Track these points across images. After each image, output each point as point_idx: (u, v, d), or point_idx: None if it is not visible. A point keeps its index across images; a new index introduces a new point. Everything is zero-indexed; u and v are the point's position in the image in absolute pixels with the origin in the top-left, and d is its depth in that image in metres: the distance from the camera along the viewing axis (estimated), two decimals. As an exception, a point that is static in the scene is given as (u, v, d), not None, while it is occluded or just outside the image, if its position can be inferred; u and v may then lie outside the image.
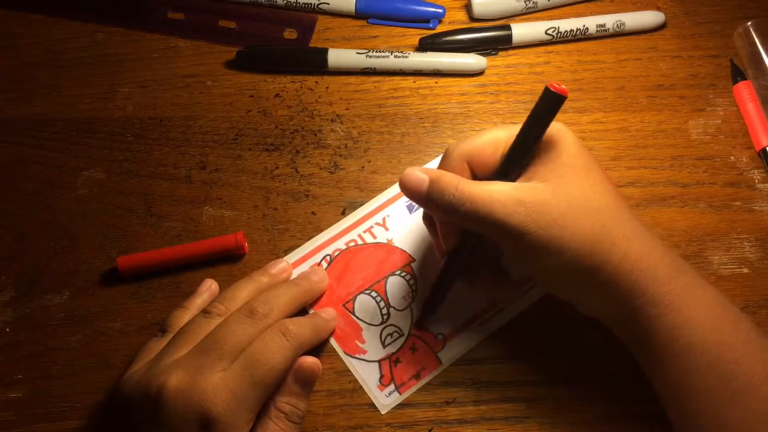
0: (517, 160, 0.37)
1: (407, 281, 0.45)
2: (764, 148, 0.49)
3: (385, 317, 0.44)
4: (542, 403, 0.41)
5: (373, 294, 0.44)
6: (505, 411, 0.41)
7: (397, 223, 0.46)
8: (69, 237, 0.46)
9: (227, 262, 0.46)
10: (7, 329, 0.44)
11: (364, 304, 0.44)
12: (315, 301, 0.44)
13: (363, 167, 0.49)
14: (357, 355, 0.43)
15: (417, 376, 0.42)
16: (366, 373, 0.42)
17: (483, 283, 0.41)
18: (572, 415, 0.41)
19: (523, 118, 0.50)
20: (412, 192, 0.37)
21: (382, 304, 0.44)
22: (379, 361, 0.42)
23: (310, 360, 0.38)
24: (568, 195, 0.35)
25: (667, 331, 0.34)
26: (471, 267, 0.41)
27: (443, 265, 0.41)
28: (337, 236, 0.46)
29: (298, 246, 0.46)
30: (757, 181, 0.48)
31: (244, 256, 0.46)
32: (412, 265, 0.45)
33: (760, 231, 0.47)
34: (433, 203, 0.37)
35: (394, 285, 0.45)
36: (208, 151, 0.50)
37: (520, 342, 0.43)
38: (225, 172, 0.49)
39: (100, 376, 0.42)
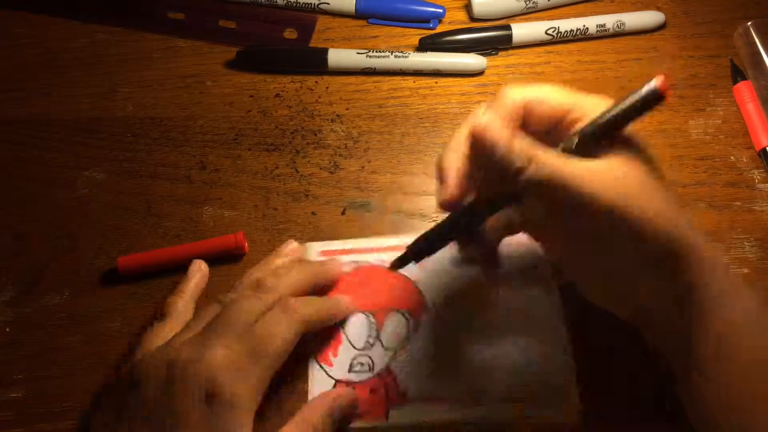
0: (592, 144, 0.34)
1: (408, 324, 0.42)
2: (764, 148, 0.49)
3: (368, 346, 0.42)
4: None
5: (371, 319, 0.42)
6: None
7: (431, 271, 0.43)
8: (69, 237, 0.46)
9: (227, 262, 0.45)
10: (7, 329, 0.44)
11: (358, 324, 0.42)
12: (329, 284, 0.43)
13: (363, 167, 0.49)
14: (323, 365, 0.41)
15: (360, 416, 0.39)
16: (318, 385, 0.40)
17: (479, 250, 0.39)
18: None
19: (523, 118, 0.51)
20: (488, 144, 0.34)
21: (373, 333, 0.42)
22: (336, 382, 0.41)
23: (350, 391, 0.39)
24: (651, 179, 0.33)
25: (720, 328, 0.33)
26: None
27: (451, 216, 0.38)
28: (373, 250, 0.45)
29: (298, 246, 0.46)
30: (757, 181, 0.48)
31: (244, 256, 0.46)
32: (422, 313, 0.42)
33: (760, 231, 0.47)
34: (508, 163, 0.33)
35: (394, 322, 0.42)
36: (208, 151, 0.50)
37: (520, 342, 0.43)
38: (225, 172, 0.49)
39: (100, 376, 0.42)
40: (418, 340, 0.42)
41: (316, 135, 0.50)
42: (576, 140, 0.35)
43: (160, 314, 0.41)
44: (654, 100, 0.33)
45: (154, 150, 0.50)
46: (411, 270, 0.42)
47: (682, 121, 0.51)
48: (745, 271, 0.45)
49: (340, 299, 0.42)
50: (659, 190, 0.34)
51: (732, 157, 0.49)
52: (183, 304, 0.42)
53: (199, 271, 0.44)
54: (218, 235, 0.46)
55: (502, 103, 0.36)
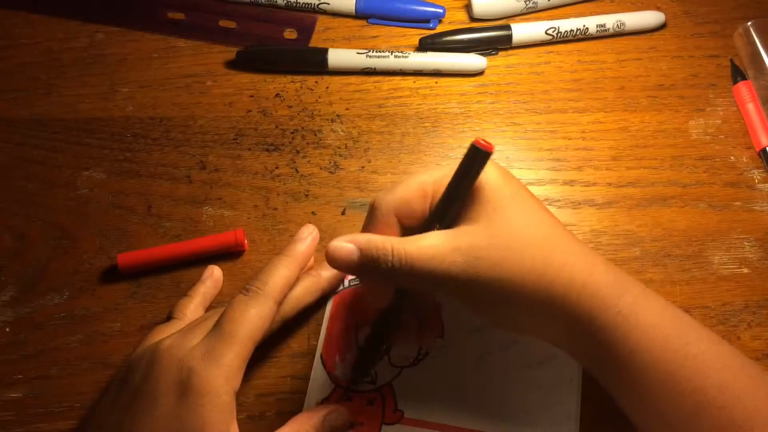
0: (447, 212, 0.35)
1: (419, 348, 0.42)
2: (764, 148, 0.49)
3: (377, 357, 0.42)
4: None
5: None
6: None
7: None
8: (69, 237, 0.46)
9: (227, 260, 0.45)
10: (7, 329, 0.44)
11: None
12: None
13: (363, 167, 0.49)
14: (326, 365, 0.41)
15: (352, 426, 0.39)
16: (317, 386, 0.40)
17: (410, 337, 0.40)
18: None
19: (523, 119, 0.51)
20: (342, 265, 0.35)
21: (385, 347, 0.42)
22: (336, 387, 0.41)
23: (342, 410, 0.39)
24: (504, 232, 0.34)
25: (621, 355, 0.33)
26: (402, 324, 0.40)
27: (377, 322, 0.39)
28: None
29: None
30: (757, 181, 0.48)
31: (244, 253, 0.46)
32: (437, 339, 0.42)
33: (760, 231, 0.47)
34: (367, 272, 0.35)
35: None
36: (208, 151, 0.50)
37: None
38: (225, 172, 0.49)
39: (100, 376, 0.42)
40: (426, 365, 0.41)
41: (316, 135, 0.50)
42: (429, 221, 0.36)
43: (168, 316, 0.42)
44: (480, 158, 0.34)
45: (154, 150, 0.50)
46: (440, 295, 0.43)
47: (682, 121, 0.51)
48: (745, 271, 0.45)
49: (320, 274, 0.42)
50: (530, 244, 0.34)
51: (732, 157, 0.49)
52: (192, 308, 0.42)
53: (211, 276, 0.44)
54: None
55: (374, 217, 0.37)
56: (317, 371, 0.41)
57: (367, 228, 0.37)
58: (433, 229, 0.35)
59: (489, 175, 0.35)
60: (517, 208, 0.35)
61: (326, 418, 0.38)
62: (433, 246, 0.34)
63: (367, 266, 0.34)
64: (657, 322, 0.34)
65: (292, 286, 0.39)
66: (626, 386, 0.34)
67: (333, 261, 0.35)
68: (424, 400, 0.40)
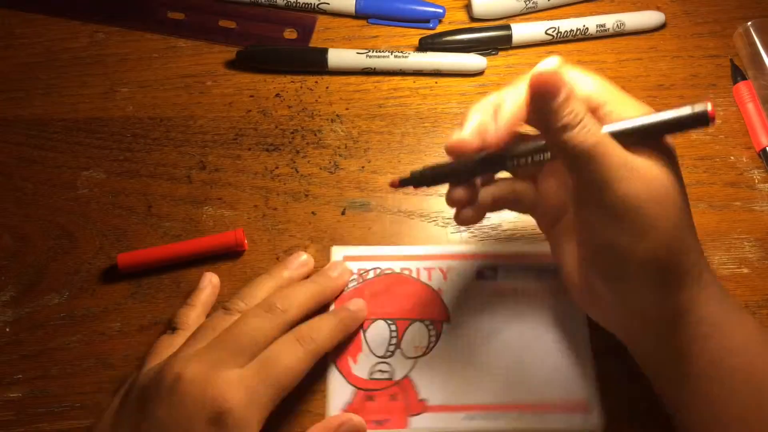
0: (639, 140, 0.34)
1: (429, 334, 0.42)
2: (764, 148, 0.49)
3: (388, 354, 0.42)
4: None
5: (392, 327, 0.43)
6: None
7: (456, 281, 0.44)
8: (69, 237, 0.46)
9: (227, 260, 0.46)
10: (7, 329, 0.44)
11: (379, 331, 0.42)
12: (337, 295, 0.43)
13: (363, 167, 0.49)
14: (341, 371, 0.41)
15: (380, 424, 0.40)
16: (337, 392, 0.41)
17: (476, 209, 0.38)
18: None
19: (523, 118, 0.51)
20: (546, 89, 0.32)
21: (393, 341, 0.42)
22: (356, 389, 0.41)
23: (356, 420, 0.39)
24: (668, 185, 0.33)
25: (712, 354, 0.33)
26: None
27: (471, 160, 0.37)
28: (399, 258, 0.45)
29: (298, 245, 0.46)
30: (757, 181, 0.48)
31: (244, 253, 0.46)
32: (444, 324, 0.42)
33: (760, 231, 0.47)
34: (559, 117, 0.32)
35: (416, 331, 0.42)
36: (208, 151, 0.50)
37: (520, 342, 0.43)
38: (225, 172, 0.49)
39: (100, 376, 0.42)
40: (439, 350, 0.42)
41: (316, 135, 0.50)
42: (617, 130, 0.34)
43: (170, 327, 0.41)
44: (700, 122, 0.33)
45: (154, 150, 0.50)
46: (438, 282, 0.43)
47: (682, 121, 0.51)
48: (745, 271, 0.45)
49: (355, 310, 0.42)
50: (680, 207, 0.33)
51: (732, 157, 0.49)
52: (195, 316, 0.42)
53: (210, 284, 0.44)
54: (218, 235, 0.46)
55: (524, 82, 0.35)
56: (334, 379, 0.41)
57: (511, 92, 0.35)
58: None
59: (676, 154, 0.34)
60: (681, 180, 0.34)
61: (339, 429, 0.38)
62: (614, 147, 0.32)
63: (563, 112, 0.32)
64: (752, 329, 0.34)
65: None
66: (706, 391, 0.33)
67: (542, 79, 0.32)
68: (444, 386, 0.40)
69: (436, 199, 0.48)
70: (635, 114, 0.34)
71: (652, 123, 0.34)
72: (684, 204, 0.34)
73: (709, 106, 0.33)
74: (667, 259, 0.33)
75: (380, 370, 0.41)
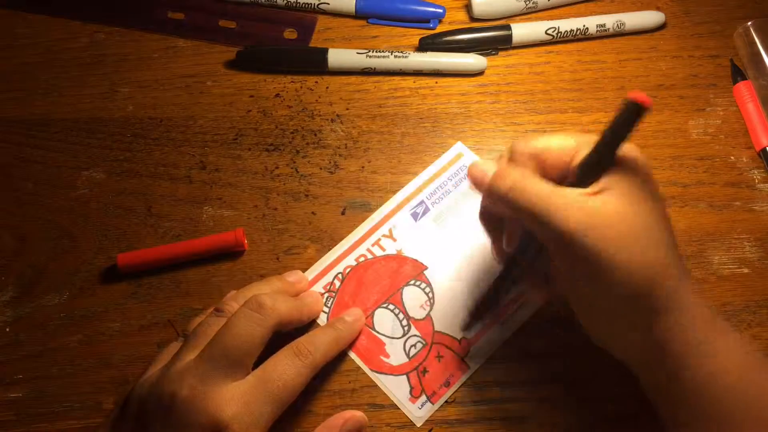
0: (593, 171, 0.35)
1: (423, 290, 0.44)
2: (764, 148, 0.49)
3: (405, 329, 0.43)
4: (542, 403, 0.41)
5: (391, 307, 0.44)
6: (505, 411, 0.41)
7: (404, 233, 0.46)
8: (69, 237, 0.46)
9: (227, 260, 0.46)
10: (7, 329, 0.44)
11: (383, 318, 0.43)
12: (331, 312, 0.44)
13: (363, 167, 0.49)
14: (383, 371, 0.42)
15: (446, 384, 0.42)
16: (395, 388, 0.42)
17: (538, 290, 0.41)
18: (572, 415, 0.41)
19: (523, 119, 0.51)
20: (475, 179, 0.37)
21: (401, 316, 0.43)
22: (407, 374, 0.42)
23: (359, 415, 0.39)
24: (632, 216, 0.34)
25: (702, 376, 0.33)
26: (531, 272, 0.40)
27: (502, 269, 0.41)
28: (347, 252, 0.45)
29: (298, 245, 0.46)
30: (757, 181, 0.48)
31: (244, 253, 0.46)
32: (426, 273, 0.45)
33: (760, 231, 0.47)
34: (493, 193, 0.36)
35: (411, 295, 0.44)
36: (208, 151, 0.50)
37: (521, 343, 0.43)
38: (225, 172, 0.49)
39: (100, 376, 0.42)
40: (440, 293, 0.44)
41: (316, 135, 0.50)
42: (577, 172, 0.35)
43: (183, 334, 0.41)
44: (637, 113, 0.34)
45: (154, 150, 0.50)
46: (392, 246, 0.45)
47: (682, 121, 0.51)
48: (745, 271, 0.45)
49: (351, 321, 0.42)
50: (646, 237, 0.34)
51: (732, 157, 0.49)
52: None
53: (233, 299, 0.43)
54: (218, 235, 0.46)
55: (511, 158, 0.37)
56: (385, 381, 0.42)
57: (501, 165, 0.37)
58: (577, 182, 0.35)
59: (639, 162, 0.35)
60: (651, 204, 0.34)
61: (342, 427, 0.38)
62: (563, 196, 0.34)
63: (495, 189, 0.36)
64: (741, 351, 0.34)
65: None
66: (699, 413, 0.34)
67: (470, 173, 0.38)
68: (461, 317, 0.43)
69: (436, 199, 0.48)
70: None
71: (597, 144, 0.35)
72: (655, 230, 0.34)
73: (634, 94, 0.34)
74: (632, 297, 0.34)
75: (413, 345, 0.43)
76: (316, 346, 0.39)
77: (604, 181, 0.35)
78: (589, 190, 0.35)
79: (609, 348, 0.38)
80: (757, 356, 0.35)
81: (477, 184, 0.37)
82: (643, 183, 0.35)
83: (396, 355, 0.42)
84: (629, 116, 0.34)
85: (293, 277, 0.44)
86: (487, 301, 0.42)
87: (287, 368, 0.37)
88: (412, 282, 0.44)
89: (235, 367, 0.36)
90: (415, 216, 0.46)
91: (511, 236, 0.39)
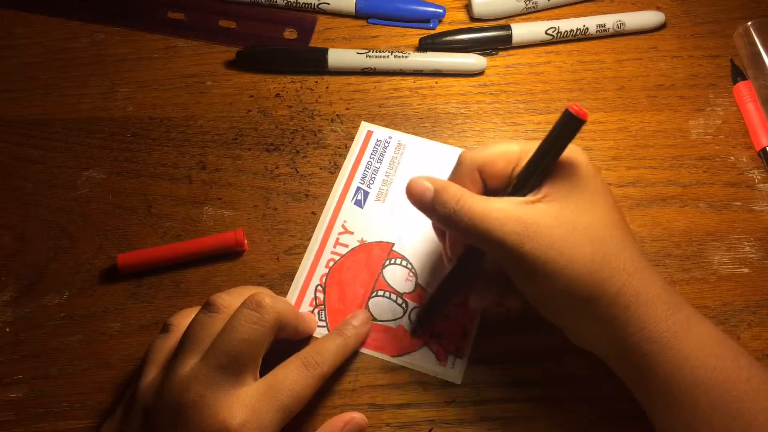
0: (530, 181, 0.36)
1: (400, 265, 0.45)
2: (764, 148, 0.49)
3: (403, 306, 0.44)
4: (542, 403, 0.41)
5: (380, 293, 0.44)
6: (505, 411, 0.41)
7: (357, 222, 0.47)
8: (69, 237, 0.46)
9: (227, 260, 0.46)
10: (7, 329, 0.44)
11: (379, 305, 0.44)
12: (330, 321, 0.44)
13: (363, 167, 0.49)
14: (405, 352, 0.43)
15: (464, 335, 0.43)
16: (422, 361, 0.42)
17: (482, 297, 0.41)
18: (572, 415, 0.41)
19: (523, 119, 0.51)
20: (416, 200, 0.37)
21: (393, 296, 0.44)
22: (425, 344, 0.43)
23: (359, 417, 0.39)
24: (572, 220, 0.34)
25: (668, 369, 0.34)
26: (475, 280, 0.41)
27: (448, 274, 0.41)
28: (314, 263, 0.45)
29: (298, 245, 0.46)
30: (757, 181, 0.48)
31: (244, 253, 0.46)
32: (395, 248, 0.46)
33: (760, 231, 0.47)
34: (435, 213, 0.37)
35: (392, 274, 0.45)
36: (208, 151, 0.50)
37: (521, 342, 0.43)
38: (225, 172, 0.49)
39: (100, 376, 0.42)
40: (418, 264, 0.45)
41: (316, 135, 0.50)
42: (515, 182, 0.36)
43: (164, 327, 0.40)
44: (572, 125, 0.34)
45: (154, 150, 0.50)
46: (352, 239, 0.46)
47: (682, 121, 0.51)
48: (745, 271, 0.45)
49: (358, 324, 0.42)
50: (588, 237, 0.34)
51: (732, 157, 0.49)
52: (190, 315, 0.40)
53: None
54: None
55: (458, 170, 0.38)
56: (408, 360, 0.42)
57: (450, 179, 0.38)
58: (513, 196, 0.36)
59: (580, 164, 0.36)
60: (593, 203, 0.35)
61: (343, 429, 0.39)
62: (499, 210, 0.35)
63: (436, 208, 0.36)
64: (709, 342, 0.34)
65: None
66: (669, 402, 0.34)
67: (409, 193, 0.37)
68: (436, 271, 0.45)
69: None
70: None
71: (533, 155, 0.36)
72: (599, 227, 0.35)
73: (571, 107, 0.34)
74: (585, 298, 0.34)
75: (418, 321, 0.43)
76: (324, 356, 0.39)
77: (543, 189, 0.36)
78: (528, 198, 0.36)
79: (581, 344, 0.38)
80: (726, 343, 0.35)
81: (417, 202, 0.37)
82: (584, 186, 0.35)
83: (407, 332, 0.43)
84: (566, 128, 0.34)
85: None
86: (435, 303, 0.42)
87: (297, 378, 0.37)
88: (388, 262, 0.45)
89: (242, 372, 0.36)
90: (359, 204, 0.47)
91: (453, 247, 0.40)
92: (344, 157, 0.49)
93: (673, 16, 0.56)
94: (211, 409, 0.34)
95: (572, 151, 0.36)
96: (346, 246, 0.46)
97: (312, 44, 0.55)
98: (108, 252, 0.46)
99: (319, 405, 0.41)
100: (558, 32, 0.53)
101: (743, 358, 0.35)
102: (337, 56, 0.52)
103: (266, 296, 0.38)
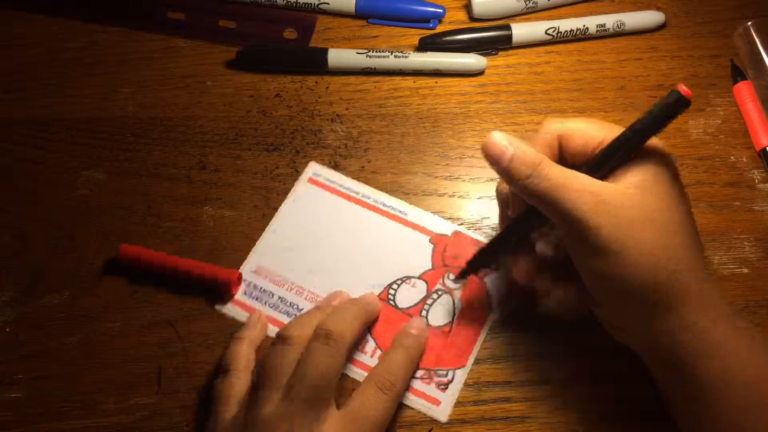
0: (615, 160, 0.35)
1: (409, 284, 0.45)
2: (764, 148, 0.49)
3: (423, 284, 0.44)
4: (542, 403, 0.41)
5: (392, 290, 0.44)
6: (505, 411, 0.41)
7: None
8: (69, 237, 0.46)
9: (228, 261, 0.45)
10: (7, 329, 0.44)
11: (438, 310, 0.44)
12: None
13: (363, 167, 0.49)
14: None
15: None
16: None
17: (525, 270, 0.40)
18: (572, 415, 0.41)
19: (523, 119, 0.51)
20: (493, 160, 0.35)
21: (409, 282, 0.44)
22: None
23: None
24: (649, 207, 0.34)
25: (718, 369, 0.33)
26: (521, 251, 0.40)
27: (503, 231, 0.41)
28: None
29: (298, 246, 0.46)
30: (757, 181, 0.48)
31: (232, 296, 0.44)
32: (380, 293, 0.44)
33: (760, 231, 0.47)
34: (510, 174, 0.35)
35: (403, 294, 0.44)
36: (208, 151, 0.50)
37: (520, 342, 0.43)
38: (225, 172, 0.49)
39: (100, 376, 0.42)
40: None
41: (316, 135, 0.50)
42: (598, 157, 0.35)
43: (222, 369, 0.40)
44: (677, 106, 0.33)
45: (154, 150, 0.50)
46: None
47: (681, 121, 0.51)
48: (745, 271, 0.45)
49: (417, 337, 0.42)
50: (661, 226, 0.34)
51: (732, 157, 0.49)
52: (244, 353, 0.40)
53: (259, 320, 0.43)
54: (217, 235, 0.46)
55: (539, 134, 0.37)
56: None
57: (529, 143, 0.37)
58: (591, 174, 0.35)
59: (664, 156, 0.35)
60: (671, 197, 0.34)
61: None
62: (577, 180, 0.34)
63: (512, 170, 0.35)
64: (759, 346, 0.34)
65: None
66: (717, 402, 0.34)
67: (487, 152, 0.36)
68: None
69: (435, 199, 0.48)
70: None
71: (625, 133, 0.35)
72: (674, 222, 0.34)
73: (682, 88, 0.33)
74: (645, 285, 0.34)
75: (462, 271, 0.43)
76: (395, 375, 0.39)
77: (625, 174, 0.35)
78: (608, 178, 0.35)
79: (622, 334, 0.38)
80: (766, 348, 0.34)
81: (494, 162, 0.36)
82: (665, 178, 0.35)
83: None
84: (670, 108, 0.33)
85: (336, 300, 0.43)
86: (482, 256, 0.42)
87: (376, 405, 0.37)
88: (398, 280, 0.45)
89: (322, 404, 0.36)
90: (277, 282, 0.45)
91: (516, 203, 0.39)
92: (344, 157, 0.49)
93: (673, 16, 0.56)
94: None
95: (656, 143, 0.35)
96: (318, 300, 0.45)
97: (312, 44, 0.55)
98: (108, 252, 0.46)
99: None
100: (558, 32, 0.53)
101: None
102: (337, 56, 0.52)
103: (331, 324, 0.38)
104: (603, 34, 0.54)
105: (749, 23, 0.53)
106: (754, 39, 0.52)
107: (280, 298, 0.44)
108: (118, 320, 0.44)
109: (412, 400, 0.41)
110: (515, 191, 0.38)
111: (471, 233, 0.46)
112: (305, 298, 0.44)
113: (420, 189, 0.48)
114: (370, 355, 0.42)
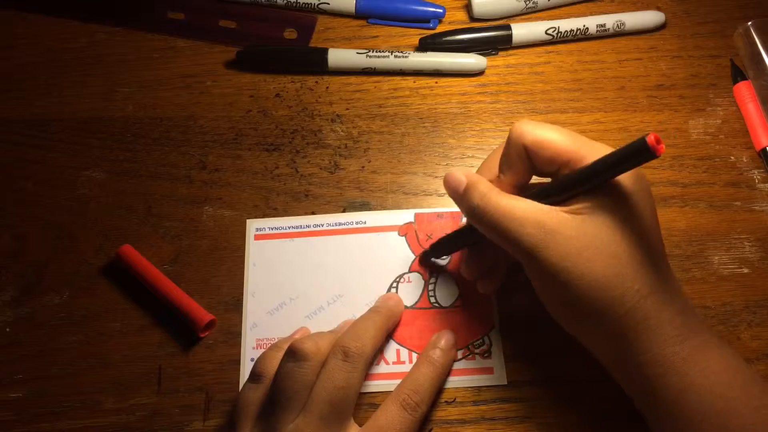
0: (567, 194, 0.35)
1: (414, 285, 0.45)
2: (764, 148, 0.49)
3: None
4: (542, 403, 0.41)
5: (402, 287, 0.45)
6: (505, 411, 0.41)
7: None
8: (69, 237, 0.46)
9: (227, 261, 0.45)
10: (7, 329, 0.44)
11: (443, 289, 0.44)
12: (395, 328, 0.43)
13: (363, 167, 0.49)
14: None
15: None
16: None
17: (476, 268, 0.42)
18: (572, 415, 0.41)
19: (523, 118, 0.51)
20: (451, 191, 0.39)
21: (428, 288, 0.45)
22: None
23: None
24: (592, 234, 0.34)
25: (671, 393, 0.33)
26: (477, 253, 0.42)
27: (463, 226, 0.42)
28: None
29: (298, 246, 0.46)
30: (757, 181, 0.48)
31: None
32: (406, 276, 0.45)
33: (760, 231, 0.47)
34: (463, 206, 0.38)
35: (404, 291, 0.45)
36: (208, 151, 0.50)
37: (520, 342, 0.43)
38: (225, 172, 0.49)
39: (100, 376, 0.42)
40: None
41: (316, 135, 0.50)
42: (556, 186, 0.36)
43: (254, 375, 0.39)
44: (642, 155, 0.31)
45: (154, 150, 0.50)
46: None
47: (682, 121, 0.51)
48: (745, 271, 0.45)
49: (447, 351, 0.42)
50: (610, 256, 0.33)
51: (732, 157, 0.49)
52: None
53: (300, 332, 0.43)
54: (217, 235, 0.46)
55: (508, 142, 0.37)
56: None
57: (499, 150, 0.39)
58: (540, 200, 0.36)
59: (624, 179, 0.34)
60: (621, 220, 0.34)
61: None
62: (522, 210, 0.35)
63: (465, 201, 0.37)
64: (718, 370, 0.34)
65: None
66: (670, 426, 0.34)
67: (446, 183, 0.39)
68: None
69: (435, 199, 0.48)
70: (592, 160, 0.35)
71: (584, 170, 0.34)
72: (623, 251, 0.34)
73: (650, 137, 0.30)
74: (598, 312, 0.34)
75: (440, 286, 0.44)
76: (421, 395, 0.39)
77: (580, 200, 0.35)
78: (563, 207, 0.35)
79: (593, 354, 0.38)
80: (741, 372, 0.34)
81: (452, 193, 0.39)
82: (615, 204, 0.34)
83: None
84: (633, 157, 0.32)
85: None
86: (439, 245, 0.44)
87: (401, 427, 0.37)
88: (396, 276, 0.45)
89: (343, 419, 0.36)
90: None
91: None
92: (344, 157, 0.49)
93: (673, 16, 0.56)
94: None
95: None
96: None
97: (312, 44, 0.55)
98: (108, 252, 0.46)
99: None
100: (558, 32, 0.53)
101: (756, 386, 0.34)
102: (337, 56, 0.52)
103: (349, 340, 0.38)
104: (603, 34, 0.54)
105: (749, 23, 0.53)
106: (754, 39, 0.52)
107: None
108: (117, 320, 0.44)
109: (467, 380, 0.41)
110: (471, 221, 0.38)
111: (428, 210, 0.47)
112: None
113: (420, 189, 0.48)
114: (393, 363, 0.42)
